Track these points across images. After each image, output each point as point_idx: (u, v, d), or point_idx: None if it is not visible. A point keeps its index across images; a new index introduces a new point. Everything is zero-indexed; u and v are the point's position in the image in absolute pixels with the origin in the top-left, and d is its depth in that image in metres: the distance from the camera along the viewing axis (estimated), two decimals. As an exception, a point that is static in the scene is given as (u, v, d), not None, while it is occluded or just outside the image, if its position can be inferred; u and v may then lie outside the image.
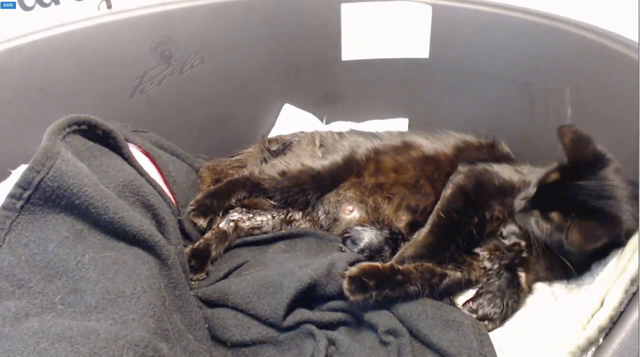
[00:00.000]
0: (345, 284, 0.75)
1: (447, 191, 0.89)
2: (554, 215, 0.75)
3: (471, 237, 0.87)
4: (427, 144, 1.01)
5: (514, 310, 0.81)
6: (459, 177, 0.90)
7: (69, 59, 0.98)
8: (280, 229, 1.00)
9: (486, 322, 0.79)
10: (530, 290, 0.84)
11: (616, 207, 0.73)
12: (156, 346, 0.58)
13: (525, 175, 0.87)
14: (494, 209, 0.86)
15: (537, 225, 0.78)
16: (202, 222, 0.95)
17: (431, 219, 0.87)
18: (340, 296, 0.78)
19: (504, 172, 0.89)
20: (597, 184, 0.74)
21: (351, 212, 0.99)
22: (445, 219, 0.86)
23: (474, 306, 0.81)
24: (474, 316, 0.80)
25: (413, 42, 1.22)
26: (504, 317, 0.80)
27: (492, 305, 0.80)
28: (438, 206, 0.88)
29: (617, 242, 0.73)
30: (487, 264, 0.87)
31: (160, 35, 1.07)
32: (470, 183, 0.88)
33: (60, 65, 0.97)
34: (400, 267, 0.78)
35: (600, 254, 0.77)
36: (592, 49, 0.98)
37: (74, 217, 0.65)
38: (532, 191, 0.80)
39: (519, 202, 0.80)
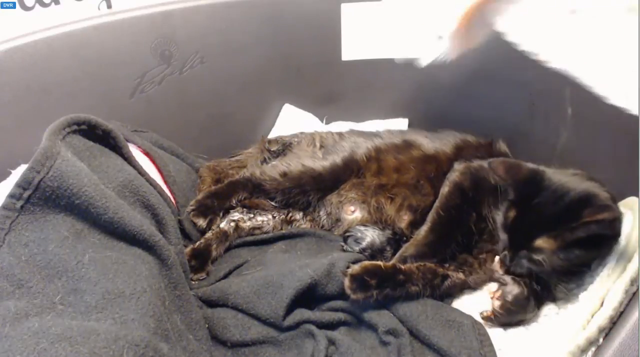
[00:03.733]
0: (346, 282, 0.75)
1: (445, 189, 0.89)
2: (540, 242, 0.74)
3: (471, 235, 0.87)
4: (428, 143, 1.01)
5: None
6: (454, 174, 0.90)
7: (69, 59, 0.98)
8: (281, 229, 1.00)
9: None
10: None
11: (581, 191, 0.74)
12: (156, 346, 0.58)
13: None
14: (490, 206, 0.86)
15: (533, 263, 0.76)
16: (202, 222, 0.95)
17: (430, 217, 0.87)
18: (340, 295, 0.78)
19: None
20: (550, 192, 0.75)
21: (353, 213, 0.99)
22: (444, 216, 0.86)
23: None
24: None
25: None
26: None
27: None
28: (437, 203, 0.88)
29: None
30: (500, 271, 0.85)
31: (160, 35, 1.07)
32: (467, 180, 0.88)
33: (60, 66, 0.97)
34: (403, 266, 0.78)
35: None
36: (592, 49, 0.98)
37: (74, 217, 0.65)
38: (503, 238, 0.79)
39: (503, 256, 0.79)
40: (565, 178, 0.77)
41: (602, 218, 0.69)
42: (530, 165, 0.80)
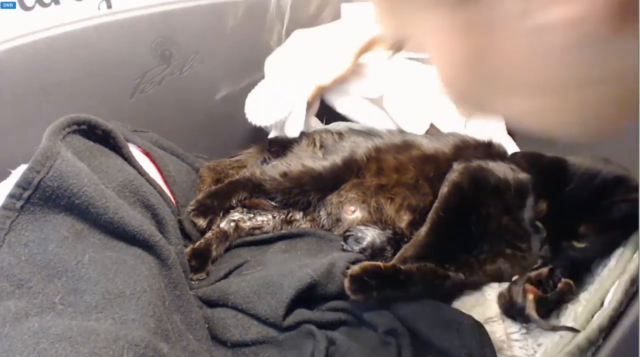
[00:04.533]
0: (346, 283, 0.75)
1: (444, 189, 0.89)
2: (583, 228, 0.73)
3: (471, 235, 0.87)
4: (427, 143, 1.01)
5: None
6: (453, 175, 0.90)
7: (69, 59, 0.98)
8: (281, 229, 1.00)
9: None
10: None
11: (611, 173, 0.75)
12: (156, 346, 0.58)
13: (518, 174, 0.87)
14: (490, 206, 0.86)
15: (577, 252, 0.74)
16: (202, 222, 0.95)
17: (430, 217, 0.87)
18: (340, 296, 0.78)
19: (499, 170, 0.88)
20: (579, 176, 0.75)
21: (353, 213, 0.99)
22: (443, 217, 0.86)
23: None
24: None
25: (413, 42, 1.22)
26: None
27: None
28: (436, 204, 0.88)
29: None
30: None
31: (160, 36, 1.07)
32: (466, 180, 0.88)
33: (60, 66, 0.97)
34: (403, 267, 0.78)
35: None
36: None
37: (74, 217, 0.65)
38: (537, 236, 0.77)
39: (544, 250, 0.77)
40: (587, 161, 0.78)
41: (635, 197, 0.70)
42: (550, 155, 0.80)
